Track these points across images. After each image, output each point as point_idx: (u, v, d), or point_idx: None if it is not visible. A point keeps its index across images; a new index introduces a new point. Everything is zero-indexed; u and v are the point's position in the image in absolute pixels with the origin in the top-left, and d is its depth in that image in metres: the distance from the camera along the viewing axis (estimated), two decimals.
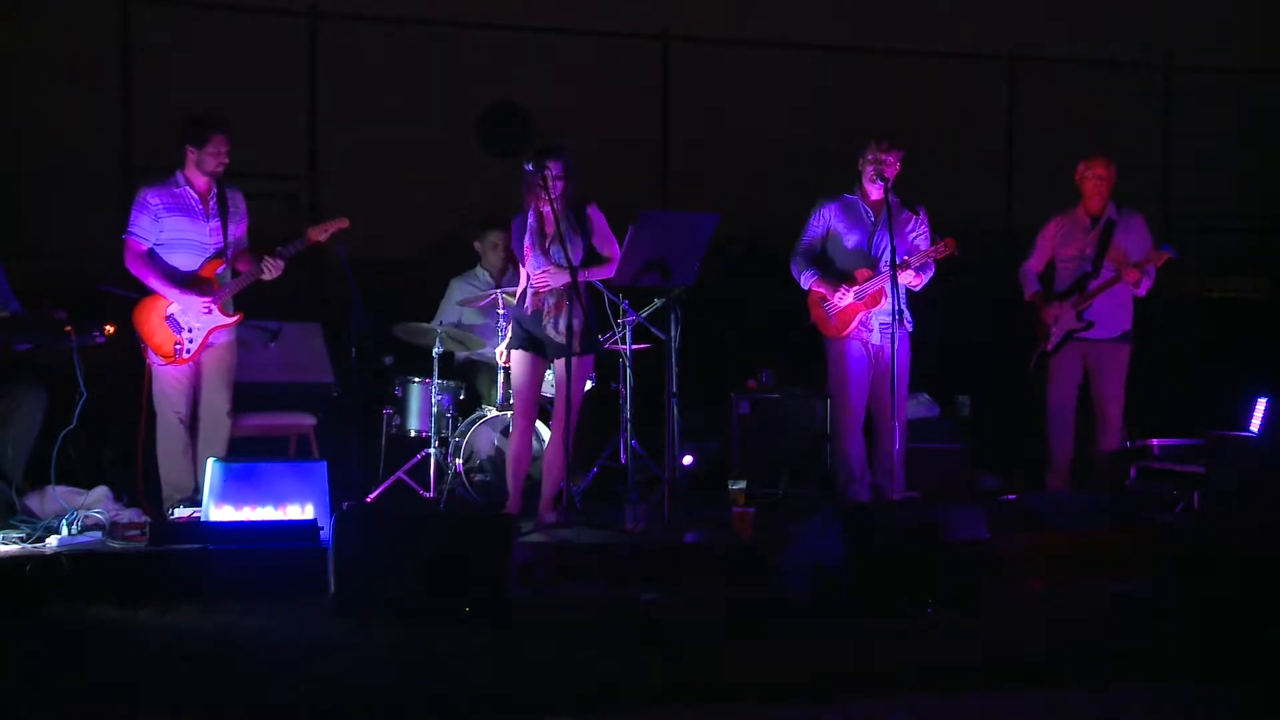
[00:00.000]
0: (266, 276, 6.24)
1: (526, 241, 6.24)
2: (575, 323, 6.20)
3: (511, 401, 6.52)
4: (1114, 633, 5.12)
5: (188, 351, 6.17)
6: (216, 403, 6.30)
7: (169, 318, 6.16)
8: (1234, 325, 9.37)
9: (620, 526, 6.22)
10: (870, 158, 6.64)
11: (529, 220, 6.26)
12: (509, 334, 6.48)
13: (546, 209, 6.18)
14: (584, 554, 5.85)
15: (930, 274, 6.70)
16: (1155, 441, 7.16)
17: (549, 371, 6.57)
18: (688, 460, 7.42)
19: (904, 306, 6.67)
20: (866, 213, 6.74)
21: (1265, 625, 5.17)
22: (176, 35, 8.86)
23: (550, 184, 6.09)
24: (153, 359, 6.17)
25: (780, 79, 9.88)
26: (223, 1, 9.09)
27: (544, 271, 6.21)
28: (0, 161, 8.34)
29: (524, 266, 6.33)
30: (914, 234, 6.74)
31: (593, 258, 6.32)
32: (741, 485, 6.44)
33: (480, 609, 5.04)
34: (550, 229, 6.22)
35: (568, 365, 6.19)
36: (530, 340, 6.31)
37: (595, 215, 6.30)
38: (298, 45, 9.08)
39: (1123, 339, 7.10)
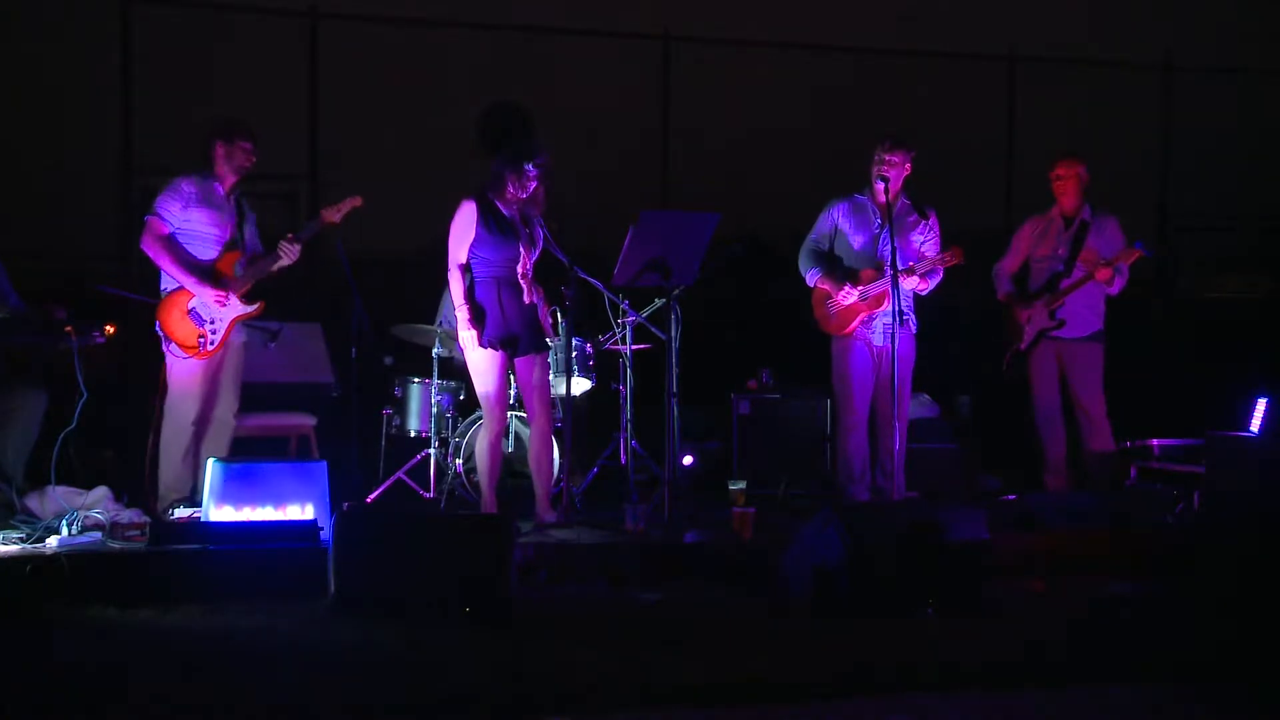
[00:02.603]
0: (285, 261, 6.24)
1: (523, 240, 6.23)
2: (547, 317, 6.31)
3: (487, 405, 6.32)
4: (1114, 633, 5.11)
5: (211, 344, 6.16)
6: (227, 404, 6.32)
7: (191, 311, 6.15)
8: (1234, 325, 9.37)
9: (620, 526, 6.23)
10: (875, 158, 6.62)
11: (505, 214, 6.22)
12: (466, 317, 6.24)
13: (532, 207, 6.20)
14: (584, 554, 5.84)
15: (937, 280, 6.66)
16: (1155, 441, 7.17)
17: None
18: (688, 460, 7.42)
19: (908, 307, 6.67)
20: (874, 213, 6.72)
21: (1264, 625, 5.17)
22: (176, 35, 8.87)
23: (541, 182, 6.14)
24: (175, 354, 6.15)
25: (780, 79, 9.89)
26: (223, 1, 9.10)
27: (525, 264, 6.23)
28: (0, 161, 8.34)
29: (477, 250, 6.19)
30: (921, 237, 6.68)
31: None
32: (741, 485, 6.44)
33: (480, 609, 5.03)
34: (534, 227, 6.25)
35: (568, 360, 6.20)
36: (501, 337, 6.23)
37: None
38: (298, 45, 9.09)
39: (1094, 338, 7.09)
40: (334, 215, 6.32)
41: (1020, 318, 7.14)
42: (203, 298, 6.15)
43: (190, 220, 6.18)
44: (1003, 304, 7.25)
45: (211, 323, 6.17)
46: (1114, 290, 7.02)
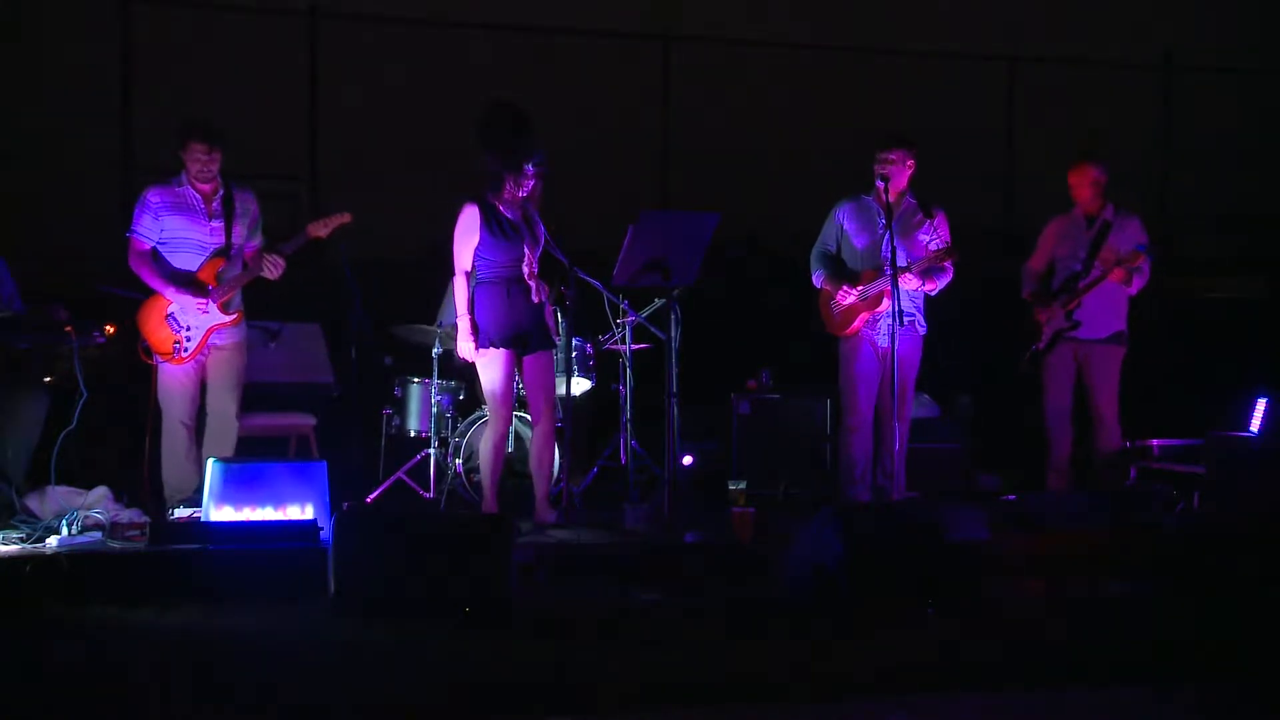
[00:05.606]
0: (268, 275, 6.20)
1: (527, 240, 6.23)
2: (550, 314, 6.37)
3: (493, 403, 6.32)
4: (1114, 633, 5.12)
5: (186, 350, 6.16)
6: (225, 406, 6.27)
7: (169, 316, 6.16)
8: (1234, 325, 9.36)
9: (620, 526, 6.23)
10: (876, 157, 6.62)
11: (506, 215, 6.22)
12: (467, 328, 6.23)
13: (530, 204, 6.22)
14: (584, 554, 5.85)
15: (943, 279, 6.63)
16: (1155, 441, 7.17)
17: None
18: (688, 460, 7.42)
19: (916, 309, 6.66)
20: (878, 213, 6.71)
21: (1264, 625, 5.17)
22: (176, 35, 8.87)
23: (538, 179, 6.17)
24: (155, 358, 6.17)
25: (780, 79, 9.89)
26: (223, 1, 9.10)
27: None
28: (1, 161, 8.34)
29: (483, 253, 6.19)
30: (927, 237, 6.64)
31: None
32: (741, 485, 6.44)
33: (480, 609, 5.04)
34: (535, 224, 6.26)
35: (568, 361, 6.20)
36: (511, 336, 6.25)
37: None
38: (298, 45, 9.09)
39: (1114, 340, 7.06)
40: (320, 230, 6.22)
41: (1039, 317, 7.13)
42: (182, 305, 6.14)
43: (166, 229, 6.17)
44: (1027, 303, 7.23)
45: (188, 329, 6.15)
46: (1133, 290, 7.00)
